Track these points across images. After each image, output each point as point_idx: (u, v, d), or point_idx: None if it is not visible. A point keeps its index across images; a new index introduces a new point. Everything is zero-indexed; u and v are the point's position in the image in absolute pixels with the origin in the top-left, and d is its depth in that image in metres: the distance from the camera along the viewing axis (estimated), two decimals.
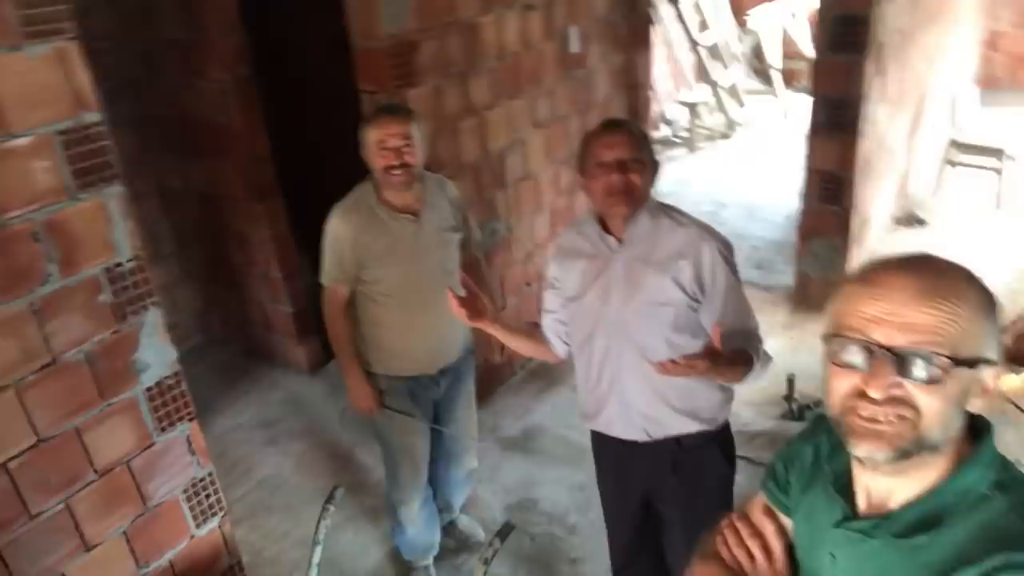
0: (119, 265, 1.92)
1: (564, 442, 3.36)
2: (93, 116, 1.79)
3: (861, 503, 1.00)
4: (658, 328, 1.84)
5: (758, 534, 1.17)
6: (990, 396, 0.90)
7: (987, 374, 0.89)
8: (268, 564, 2.90)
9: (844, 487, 1.02)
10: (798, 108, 7.21)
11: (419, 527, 2.64)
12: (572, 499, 3.07)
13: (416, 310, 2.36)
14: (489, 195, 3.43)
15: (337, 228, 2.30)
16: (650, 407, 1.90)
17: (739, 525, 1.18)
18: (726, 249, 1.84)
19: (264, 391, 3.97)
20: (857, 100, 3.66)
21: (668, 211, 1.89)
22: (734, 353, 1.79)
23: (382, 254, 2.30)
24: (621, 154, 1.78)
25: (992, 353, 0.89)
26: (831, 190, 3.91)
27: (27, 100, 1.67)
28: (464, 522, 2.92)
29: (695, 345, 1.84)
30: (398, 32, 2.80)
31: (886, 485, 0.96)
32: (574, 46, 3.64)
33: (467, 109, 3.19)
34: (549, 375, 3.85)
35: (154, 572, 2.18)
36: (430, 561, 2.77)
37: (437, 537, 2.75)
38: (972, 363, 0.86)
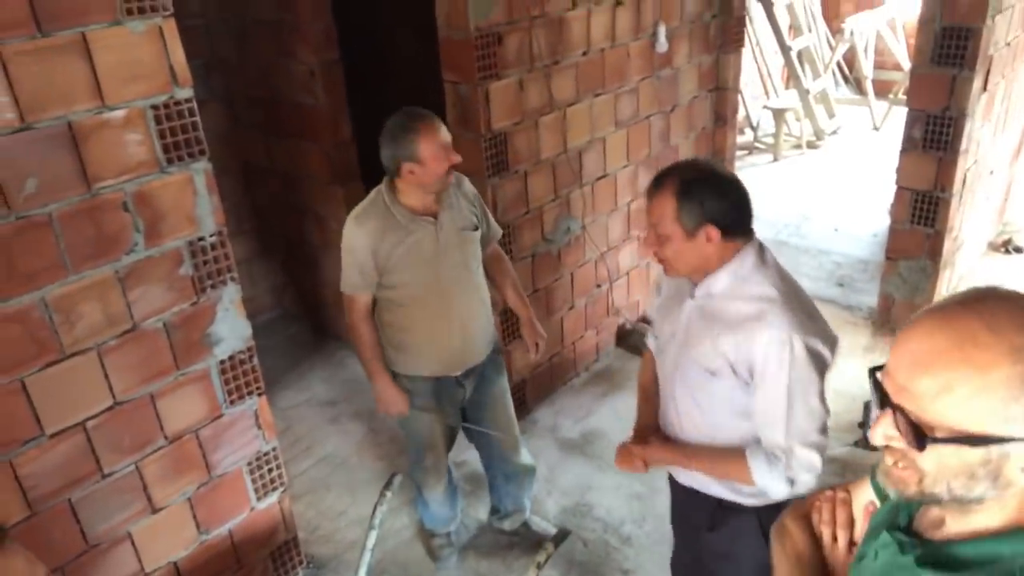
0: (201, 239, 1.97)
1: None
2: (185, 92, 1.84)
3: (921, 519, 0.98)
4: (710, 387, 1.69)
5: (849, 524, 1.15)
6: None
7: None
8: (322, 542, 2.95)
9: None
10: (890, 121, 6.94)
11: (439, 503, 2.76)
12: (629, 508, 3.01)
13: (439, 312, 2.34)
14: (565, 192, 3.39)
15: (355, 236, 2.26)
16: None
17: (839, 508, 1.16)
18: (798, 341, 1.53)
19: (332, 369, 4.04)
20: (959, 116, 3.46)
21: (760, 274, 1.62)
22: (716, 451, 1.70)
23: (403, 258, 2.26)
24: (653, 221, 1.62)
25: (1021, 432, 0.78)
26: (924, 210, 3.72)
27: (124, 74, 1.72)
28: (536, 522, 2.93)
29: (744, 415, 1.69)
30: (485, 24, 2.78)
31: (938, 512, 0.94)
32: (662, 45, 3.56)
33: (549, 104, 3.15)
34: (612, 379, 3.79)
35: (214, 540, 2.24)
36: (452, 529, 2.88)
37: (457, 512, 2.86)
38: (970, 441, 0.79)
